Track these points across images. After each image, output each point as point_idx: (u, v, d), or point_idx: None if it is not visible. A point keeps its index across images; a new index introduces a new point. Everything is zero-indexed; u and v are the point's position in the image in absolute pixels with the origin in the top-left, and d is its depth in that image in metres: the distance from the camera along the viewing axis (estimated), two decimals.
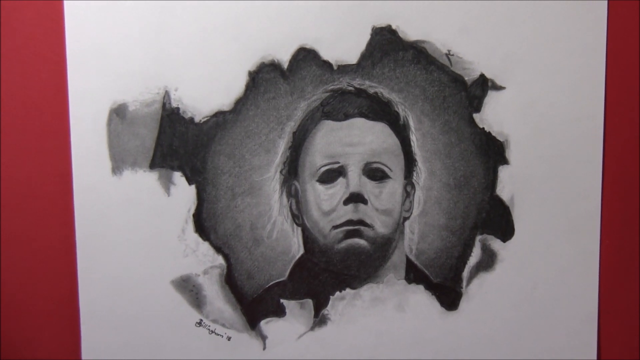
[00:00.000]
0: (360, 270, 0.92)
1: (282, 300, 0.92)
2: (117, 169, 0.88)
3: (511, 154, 0.91)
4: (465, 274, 0.93)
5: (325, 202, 0.89)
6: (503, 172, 0.91)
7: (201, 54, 0.87)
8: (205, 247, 0.90)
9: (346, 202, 0.89)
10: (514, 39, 0.89)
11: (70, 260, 0.90)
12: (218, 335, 0.92)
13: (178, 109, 0.88)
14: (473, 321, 0.93)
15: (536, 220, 0.92)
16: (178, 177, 0.89)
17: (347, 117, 0.89)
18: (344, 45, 0.88)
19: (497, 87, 0.90)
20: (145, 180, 0.89)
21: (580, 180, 0.91)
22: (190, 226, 0.89)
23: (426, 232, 0.92)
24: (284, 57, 0.88)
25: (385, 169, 0.90)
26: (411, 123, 0.90)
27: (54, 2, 0.86)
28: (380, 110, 0.89)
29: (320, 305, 0.92)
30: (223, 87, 0.88)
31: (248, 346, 0.92)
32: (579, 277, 0.93)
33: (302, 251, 0.91)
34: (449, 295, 0.93)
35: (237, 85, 0.88)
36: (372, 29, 0.88)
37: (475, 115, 0.90)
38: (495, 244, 0.92)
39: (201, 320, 0.91)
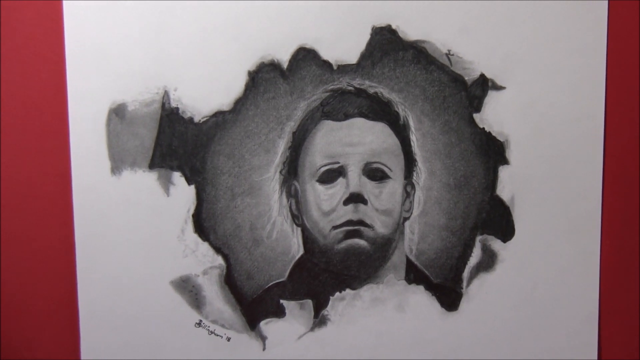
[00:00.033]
0: (360, 270, 0.91)
1: (281, 301, 0.92)
2: (116, 169, 0.88)
3: (511, 154, 0.91)
4: (466, 274, 0.93)
5: (325, 202, 0.89)
6: (503, 172, 0.91)
7: (201, 53, 0.87)
8: (204, 247, 0.90)
9: (346, 202, 0.89)
10: (514, 39, 0.88)
11: (70, 261, 0.89)
12: (217, 335, 0.92)
13: (177, 108, 0.88)
14: (473, 322, 0.93)
15: (536, 221, 0.92)
16: (177, 177, 0.89)
17: (347, 117, 0.89)
18: (343, 45, 0.88)
19: (497, 87, 0.90)
20: (145, 180, 0.88)
21: (580, 181, 0.91)
22: (190, 226, 0.89)
23: (426, 233, 0.92)
24: (284, 57, 0.88)
25: (385, 169, 0.90)
26: (411, 123, 0.90)
27: (53, 2, 0.86)
28: (380, 110, 0.89)
29: (320, 305, 0.92)
30: (222, 87, 0.88)
31: (248, 347, 0.92)
32: (579, 278, 0.93)
33: (301, 251, 0.91)
34: (449, 295, 0.93)
35: (236, 85, 0.88)
36: (372, 29, 0.88)
37: (476, 115, 0.90)
38: (496, 244, 0.92)
39: (201, 320, 0.91)
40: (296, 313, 0.92)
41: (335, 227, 0.89)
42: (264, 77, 0.88)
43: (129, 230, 0.89)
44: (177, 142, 0.88)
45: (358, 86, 0.89)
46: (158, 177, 0.89)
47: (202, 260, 0.90)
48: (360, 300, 0.92)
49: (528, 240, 0.92)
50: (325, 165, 0.89)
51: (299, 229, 0.91)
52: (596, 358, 0.94)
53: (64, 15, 0.86)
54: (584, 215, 0.92)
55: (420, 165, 0.90)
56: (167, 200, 0.89)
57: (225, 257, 0.90)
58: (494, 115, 0.90)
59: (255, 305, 0.92)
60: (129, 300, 0.90)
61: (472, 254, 0.92)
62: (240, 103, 0.88)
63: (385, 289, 0.92)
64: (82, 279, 0.90)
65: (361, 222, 0.89)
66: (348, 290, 0.92)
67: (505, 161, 0.91)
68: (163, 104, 0.87)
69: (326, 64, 0.88)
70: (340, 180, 0.89)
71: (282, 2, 0.86)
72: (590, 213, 0.92)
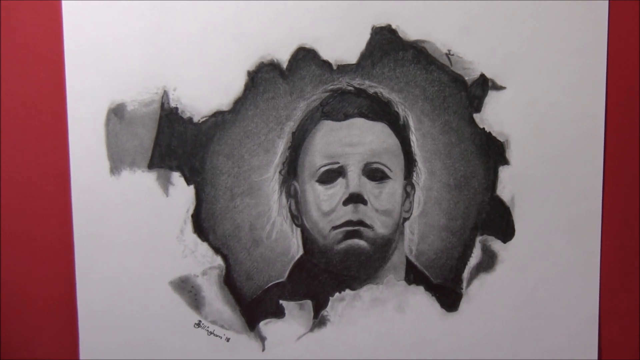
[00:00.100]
0: (360, 271, 0.91)
1: (281, 301, 0.91)
2: (115, 169, 0.88)
3: (512, 154, 0.91)
4: (466, 275, 0.92)
5: (325, 202, 0.89)
6: (503, 172, 0.91)
7: (200, 53, 0.87)
8: (204, 247, 0.90)
9: (346, 202, 0.89)
10: (514, 39, 0.88)
11: (68, 261, 0.89)
12: (217, 336, 0.92)
13: (177, 108, 0.87)
14: (473, 322, 0.93)
15: (537, 221, 0.91)
16: (177, 178, 0.89)
17: (346, 117, 0.89)
18: (343, 45, 0.87)
19: (498, 87, 0.89)
20: (144, 180, 0.88)
21: (581, 181, 0.91)
22: (189, 227, 0.89)
23: (426, 233, 0.91)
24: (284, 57, 0.87)
25: (385, 169, 0.89)
26: (411, 123, 0.90)
27: (52, 1, 0.86)
28: (380, 110, 0.89)
29: (319, 306, 0.92)
30: (222, 87, 0.87)
31: (247, 347, 0.92)
32: (579, 278, 0.93)
33: (301, 252, 0.91)
34: (449, 296, 0.93)
35: (236, 85, 0.88)
36: (372, 29, 0.87)
37: (476, 115, 0.90)
38: (496, 244, 0.92)
39: (200, 321, 0.91)
40: (296, 314, 0.92)
41: (334, 228, 0.89)
42: (263, 77, 0.88)
43: (128, 231, 0.89)
44: (176, 142, 0.88)
45: (358, 86, 0.88)
46: (157, 177, 0.88)
47: (201, 261, 0.90)
48: (360, 301, 0.92)
49: (528, 240, 0.92)
50: (325, 165, 0.89)
51: (299, 229, 0.90)
52: (596, 358, 0.94)
53: (63, 15, 0.86)
54: (584, 215, 0.92)
55: (420, 166, 0.90)
56: (166, 201, 0.89)
57: (225, 258, 0.90)
58: (494, 116, 0.90)
59: (254, 306, 0.91)
60: (128, 300, 0.90)
61: (472, 255, 0.92)
62: (239, 103, 0.88)
63: (385, 289, 0.92)
64: (81, 279, 0.89)
65: (361, 223, 0.89)
66: (348, 291, 0.92)
67: (505, 161, 0.91)
68: (162, 104, 0.87)
69: (326, 64, 0.88)
70: (340, 180, 0.89)
71: (281, 1, 0.86)
72: (590, 213, 0.92)
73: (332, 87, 0.88)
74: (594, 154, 0.91)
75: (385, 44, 0.88)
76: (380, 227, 0.90)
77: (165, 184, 0.88)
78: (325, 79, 0.88)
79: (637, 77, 0.91)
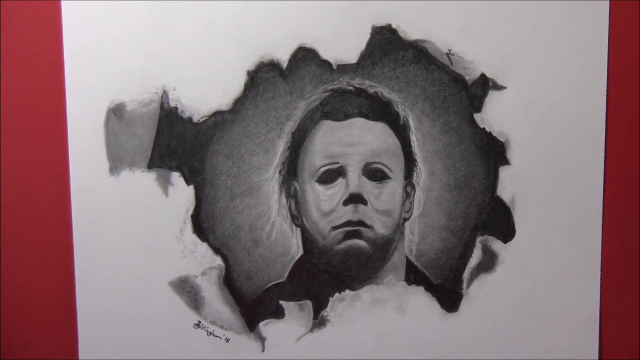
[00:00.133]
0: (360, 271, 0.91)
1: (281, 302, 0.91)
2: (114, 169, 0.88)
3: (512, 154, 0.90)
4: (466, 275, 0.92)
5: (325, 202, 0.89)
6: (504, 172, 0.91)
7: (200, 53, 0.86)
8: (203, 248, 0.89)
9: (346, 202, 0.89)
10: (514, 39, 0.88)
11: (68, 261, 0.89)
12: (216, 336, 0.91)
13: (176, 108, 0.87)
14: (474, 323, 0.93)
15: (537, 221, 0.91)
16: (176, 178, 0.88)
17: (346, 117, 0.89)
18: (343, 45, 0.87)
19: (498, 87, 0.89)
20: (143, 180, 0.88)
21: (581, 181, 0.91)
22: (189, 227, 0.89)
23: (426, 233, 0.91)
24: (283, 57, 0.87)
25: (385, 169, 0.89)
26: (411, 123, 0.89)
27: (52, 1, 0.86)
28: (380, 110, 0.89)
29: (319, 306, 0.92)
30: (222, 86, 0.87)
31: (247, 348, 0.92)
32: (580, 278, 0.93)
33: (301, 252, 0.91)
34: (449, 296, 0.92)
35: (235, 85, 0.87)
36: (372, 28, 0.87)
37: (476, 115, 0.90)
38: (496, 245, 0.92)
39: (199, 321, 0.91)
40: (295, 314, 0.92)
41: (334, 228, 0.89)
42: (263, 77, 0.87)
43: (127, 231, 0.89)
44: (175, 142, 0.88)
45: (358, 86, 0.88)
46: (157, 177, 0.88)
47: (201, 261, 0.90)
48: (360, 301, 0.92)
49: (529, 241, 0.92)
50: (324, 165, 0.89)
51: (299, 229, 0.90)
52: (597, 359, 0.94)
53: (62, 15, 0.85)
54: (585, 215, 0.92)
55: (421, 166, 0.90)
56: (166, 201, 0.89)
57: (224, 258, 0.90)
58: (494, 115, 0.90)
59: (254, 306, 0.91)
60: (128, 300, 0.90)
61: (473, 255, 0.92)
62: (239, 103, 0.88)
63: (385, 290, 0.92)
64: (80, 279, 0.89)
65: (361, 223, 0.89)
66: (348, 291, 0.92)
67: (506, 161, 0.91)
68: (162, 104, 0.87)
69: (326, 64, 0.88)
70: (340, 180, 0.89)
71: (281, 1, 0.86)
72: (591, 213, 0.92)
73: (332, 86, 0.88)
74: (594, 154, 0.91)
75: (386, 43, 0.88)
76: (381, 227, 0.89)
77: (165, 184, 0.88)
78: (325, 78, 0.88)
79: (637, 77, 0.91)
